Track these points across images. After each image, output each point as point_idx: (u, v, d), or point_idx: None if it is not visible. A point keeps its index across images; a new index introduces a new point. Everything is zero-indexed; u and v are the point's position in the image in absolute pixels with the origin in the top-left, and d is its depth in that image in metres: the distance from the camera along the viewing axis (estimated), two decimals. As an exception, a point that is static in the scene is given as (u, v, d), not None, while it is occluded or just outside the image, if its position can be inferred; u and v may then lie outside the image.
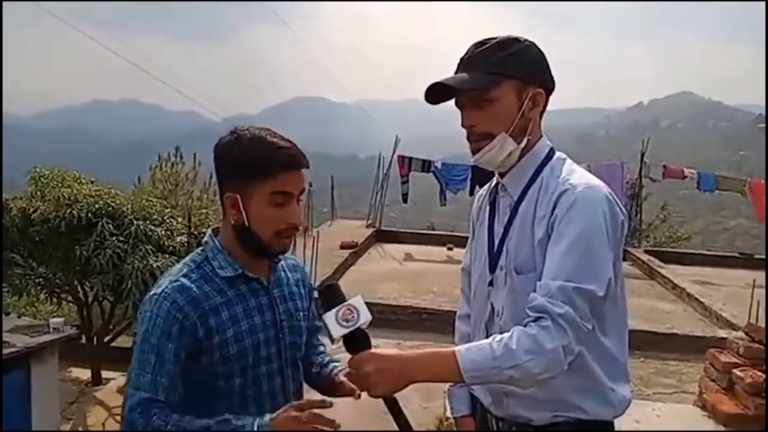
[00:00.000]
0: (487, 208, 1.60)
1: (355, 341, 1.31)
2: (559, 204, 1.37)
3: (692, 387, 4.60)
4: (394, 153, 12.65)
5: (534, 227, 1.42)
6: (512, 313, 1.43)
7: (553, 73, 1.50)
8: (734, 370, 3.82)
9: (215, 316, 1.40)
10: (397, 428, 1.33)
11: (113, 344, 10.50)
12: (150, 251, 8.71)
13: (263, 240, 1.42)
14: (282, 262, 1.60)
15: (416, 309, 6.75)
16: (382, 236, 12.27)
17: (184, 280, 1.41)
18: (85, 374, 10.16)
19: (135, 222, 8.92)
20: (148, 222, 9.13)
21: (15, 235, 8.92)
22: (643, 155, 12.45)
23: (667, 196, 20.80)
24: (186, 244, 8.87)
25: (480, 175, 10.49)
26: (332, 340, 1.32)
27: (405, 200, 12.82)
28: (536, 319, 1.30)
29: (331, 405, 1.33)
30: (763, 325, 4.15)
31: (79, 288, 9.78)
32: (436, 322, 6.21)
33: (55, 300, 10.20)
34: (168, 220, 9.63)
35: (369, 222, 12.92)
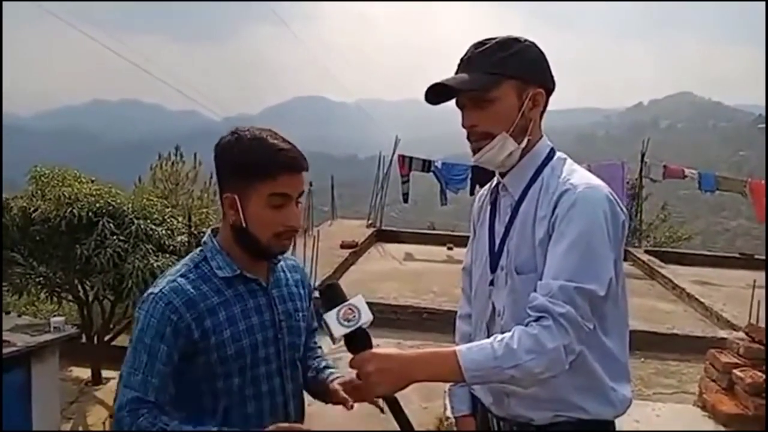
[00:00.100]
0: (488, 207, 1.60)
1: (357, 341, 1.31)
2: (559, 204, 1.38)
3: (692, 387, 4.60)
4: (394, 153, 12.65)
5: (535, 227, 1.42)
6: (513, 312, 1.43)
7: (553, 73, 1.50)
8: (734, 371, 3.82)
9: (212, 316, 1.40)
10: (397, 428, 1.33)
11: (114, 343, 10.51)
12: (150, 250, 8.72)
13: (262, 242, 1.42)
14: (282, 262, 1.60)
15: (416, 309, 6.75)
16: (382, 236, 12.27)
17: (181, 281, 1.41)
18: (85, 373, 10.17)
19: (135, 221, 8.94)
20: (148, 221, 9.14)
21: (15, 234, 8.93)
22: (643, 155, 12.45)
23: (667, 197, 20.80)
24: (186, 244, 8.88)
25: (480, 175, 10.49)
26: (333, 340, 1.32)
27: (405, 200, 12.82)
28: (537, 319, 1.30)
29: None
30: (763, 325, 4.15)
31: (79, 287, 9.79)
32: (437, 321, 6.21)
33: (55, 299, 10.22)
34: (168, 220, 9.64)
35: (369, 222, 12.92)
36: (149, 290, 1.43)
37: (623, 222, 1.40)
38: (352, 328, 1.30)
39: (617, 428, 1.53)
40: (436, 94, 1.46)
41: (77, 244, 8.66)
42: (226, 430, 1.39)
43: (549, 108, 1.52)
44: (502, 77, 1.42)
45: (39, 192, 9.22)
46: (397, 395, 1.31)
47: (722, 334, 5.96)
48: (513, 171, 1.50)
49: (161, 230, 9.16)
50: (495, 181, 1.59)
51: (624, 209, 1.42)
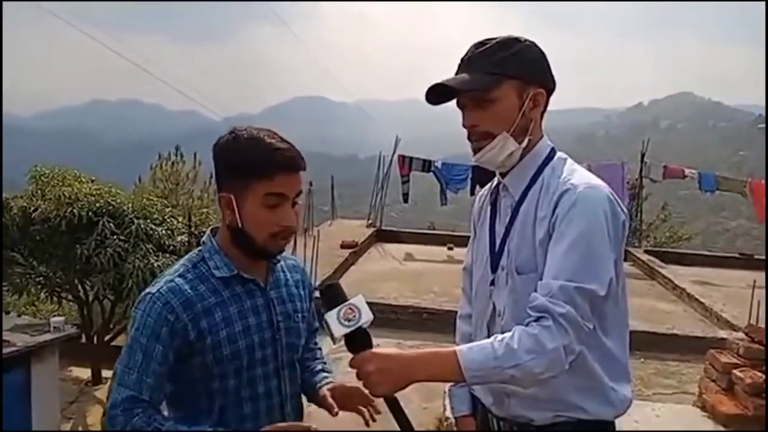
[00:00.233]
0: (489, 208, 1.60)
1: (357, 341, 1.31)
2: (560, 204, 1.38)
3: (692, 387, 4.60)
4: (394, 153, 12.65)
5: (535, 227, 1.42)
6: (514, 313, 1.43)
7: (554, 73, 1.50)
8: (734, 371, 3.82)
9: (208, 317, 1.40)
10: (397, 427, 1.34)
11: (114, 343, 10.50)
12: (151, 250, 8.73)
13: (257, 242, 1.41)
14: (281, 262, 1.60)
15: (417, 309, 6.75)
16: (382, 236, 12.27)
17: (179, 281, 1.41)
18: (85, 373, 10.18)
19: (136, 221, 8.94)
20: (148, 221, 9.14)
21: (16, 233, 8.94)
22: (643, 155, 12.45)
23: (667, 197, 20.81)
24: (186, 244, 8.89)
25: (481, 175, 10.49)
26: (334, 340, 1.32)
27: (405, 200, 12.82)
28: (537, 319, 1.30)
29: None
30: (763, 325, 4.15)
31: (79, 287, 9.79)
32: (437, 321, 6.21)
33: (55, 299, 10.22)
34: (168, 220, 9.64)
35: (369, 222, 12.92)
36: (147, 290, 1.43)
37: (623, 222, 1.40)
38: (353, 328, 1.30)
39: (617, 428, 1.53)
40: (437, 94, 1.46)
41: (77, 243, 8.66)
42: (221, 430, 1.40)
43: (549, 108, 1.52)
44: (503, 77, 1.42)
45: (39, 192, 9.23)
46: (397, 395, 1.31)
47: (722, 334, 5.96)
48: (513, 171, 1.50)
49: (161, 230, 9.17)
50: (495, 181, 1.60)
51: (624, 209, 1.42)
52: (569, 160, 1.51)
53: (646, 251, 11.57)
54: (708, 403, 3.91)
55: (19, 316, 8.70)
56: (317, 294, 1.54)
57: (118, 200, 9.19)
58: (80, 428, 8.62)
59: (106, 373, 9.70)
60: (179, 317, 1.37)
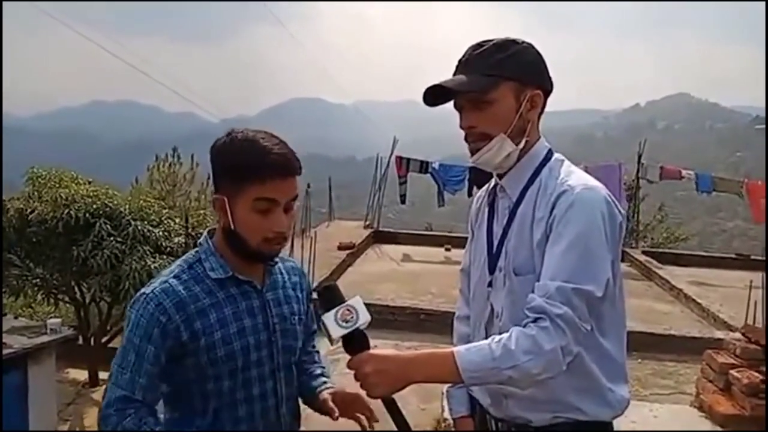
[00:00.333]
0: (486, 209, 1.60)
1: (354, 342, 1.31)
2: (557, 205, 1.38)
3: (689, 388, 4.61)
4: (392, 154, 12.65)
5: (533, 228, 1.43)
6: (512, 314, 1.44)
7: (552, 74, 1.50)
8: (731, 371, 3.83)
9: (202, 318, 1.40)
10: (395, 428, 1.34)
11: (110, 345, 10.48)
12: (148, 252, 8.71)
13: (251, 245, 1.41)
14: (279, 264, 1.59)
15: (414, 310, 6.75)
16: (379, 237, 12.26)
17: (173, 281, 1.41)
18: (82, 375, 10.15)
19: (133, 222, 8.92)
20: (145, 222, 9.13)
21: (12, 235, 8.91)
22: (640, 156, 12.47)
23: (664, 198, 20.83)
24: (183, 245, 8.87)
25: (478, 177, 10.49)
26: (331, 341, 1.32)
27: (403, 201, 12.81)
28: (535, 320, 1.30)
29: None
30: (760, 325, 4.16)
31: (76, 289, 9.77)
32: (434, 322, 6.21)
33: (52, 301, 10.19)
34: (166, 221, 9.63)
35: (367, 223, 12.92)
36: (142, 290, 1.43)
37: (620, 223, 1.41)
38: (350, 329, 1.30)
39: (614, 429, 1.53)
40: (435, 95, 1.46)
41: (74, 245, 8.64)
42: None
43: (547, 109, 1.52)
44: (500, 79, 1.42)
45: (36, 193, 9.20)
46: (395, 396, 1.31)
47: (719, 334, 5.97)
48: (511, 172, 1.51)
49: (158, 232, 9.16)
50: (493, 182, 1.60)
51: (621, 210, 1.43)
52: (566, 162, 1.51)
53: (643, 252, 11.59)
54: (705, 403, 3.92)
55: (15, 318, 8.68)
56: (315, 295, 1.54)
57: (115, 202, 9.17)
58: (77, 430, 8.59)
59: (103, 375, 9.68)
60: (171, 318, 1.37)
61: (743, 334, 4.07)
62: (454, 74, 1.48)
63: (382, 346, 1.37)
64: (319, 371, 1.68)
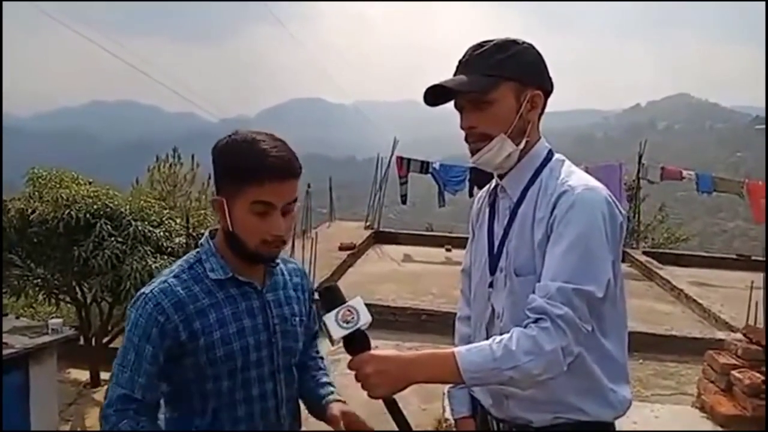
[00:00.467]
0: (487, 209, 1.60)
1: (355, 342, 1.31)
2: (558, 205, 1.38)
3: (691, 388, 4.60)
4: (392, 154, 12.65)
5: (533, 229, 1.43)
6: (512, 314, 1.43)
7: (552, 74, 1.50)
8: (732, 372, 3.82)
9: (201, 318, 1.40)
10: (396, 429, 1.33)
11: (112, 345, 10.48)
12: (148, 252, 8.72)
13: (249, 247, 1.40)
14: (281, 265, 1.58)
15: (415, 310, 6.74)
16: (380, 237, 12.27)
17: (173, 281, 1.41)
18: (83, 375, 10.16)
19: (133, 223, 8.93)
20: (146, 223, 9.13)
21: (13, 235, 8.92)
22: (640, 157, 12.47)
23: (664, 198, 20.82)
24: (184, 245, 8.87)
25: (479, 177, 10.49)
26: (332, 342, 1.32)
27: (403, 201, 12.82)
28: (535, 321, 1.30)
29: None
30: (761, 326, 4.16)
31: (77, 289, 9.78)
32: (435, 323, 6.21)
33: (53, 301, 10.20)
34: (166, 221, 9.63)
35: (367, 223, 12.92)
36: (142, 289, 1.43)
37: (621, 224, 1.40)
38: (351, 330, 1.30)
39: (616, 429, 1.52)
40: (435, 95, 1.46)
41: (75, 245, 8.65)
42: None
43: (547, 109, 1.52)
44: (500, 79, 1.42)
45: (37, 194, 9.21)
46: (396, 397, 1.31)
47: (720, 335, 5.97)
48: (511, 173, 1.51)
49: (159, 232, 9.16)
50: (493, 183, 1.60)
51: (622, 211, 1.43)
52: (567, 162, 1.51)
53: (644, 252, 11.58)
54: (707, 404, 3.92)
55: (17, 318, 8.68)
56: (316, 296, 1.54)
57: (116, 202, 9.18)
58: (78, 430, 8.60)
59: (105, 375, 9.68)
60: (170, 318, 1.37)
61: (744, 335, 4.07)
62: (455, 74, 1.47)
63: (383, 347, 1.37)
64: (325, 379, 1.66)
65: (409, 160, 12.25)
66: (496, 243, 1.52)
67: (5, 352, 6.79)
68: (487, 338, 1.37)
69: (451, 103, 1.50)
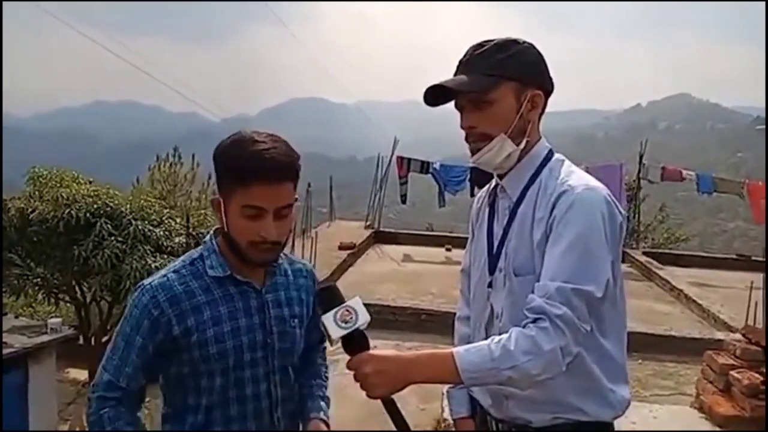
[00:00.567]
0: (487, 209, 1.60)
1: (354, 342, 1.31)
2: (557, 205, 1.38)
3: (690, 389, 4.60)
4: (392, 154, 12.66)
5: (533, 229, 1.42)
6: (512, 314, 1.43)
7: (552, 74, 1.50)
8: (731, 372, 3.82)
9: (196, 314, 1.40)
10: (394, 429, 1.33)
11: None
12: (148, 251, 8.71)
13: (241, 248, 1.40)
14: (286, 265, 1.57)
15: (415, 310, 6.75)
16: (380, 237, 12.27)
17: (172, 276, 1.43)
18: (82, 375, 10.16)
19: (133, 222, 8.92)
20: (146, 222, 9.12)
21: (13, 235, 8.91)
22: (641, 157, 12.46)
23: (665, 198, 20.81)
24: (185, 245, 8.87)
25: (480, 177, 10.49)
26: (331, 341, 1.32)
27: (404, 201, 12.82)
28: (534, 321, 1.30)
29: None
30: (760, 326, 4.16)
31: (77, 288, 9.77)
32: (435, 323, 6.21)
33: (53, 300, 10.19)
34: (166, 221, 9.62)
35: (368, 223, 12.93)
36: (143, 281, 1.45)
37: (621, 224, 1.40)
38: (350, 330, 1.30)
39: (615, 429, 1.52)
40: (435, 95, 1.46)
41: (75, 245, 8.65)
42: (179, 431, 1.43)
43: (548, 109, 1.52)
44: (501, 79, 1.42)
45: (37, 193, 9.21)
46: (395, 397, 1.31)
47: (719, 335, 5.97)
48: (511, 173, 1.50)
49: (159, 231, 9.16)
50: (493, 182, 1.59)
51: (622, 211, 1.42)
52: (567, 162, 1.51)
53: (643, 252, 11.59)
54: (705, 404, 3.92)
55: (16, 317, 8.69)
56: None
57: (116, 201, 9.18)
58: (77, 429, 8.60)
59: (104, 375, 9.69)
60: (164, 312, 1.38)
61: (743, 335, 4.07)
62: (455, 74, 1.47)
63: (382, 347, 1.37)
64: (318, 392, 1.64)
65: (409, 159, 12.25)
66: (496, 243, 1.51)
67: (4, 351, 6.79)
68: (487, 338, 1.37)
69: (452, 103, 1.49)
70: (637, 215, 13.14)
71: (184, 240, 9.12)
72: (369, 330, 1.33)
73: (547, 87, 1.49)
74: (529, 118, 1.47)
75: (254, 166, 1.32)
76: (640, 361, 5.58)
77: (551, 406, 1.44)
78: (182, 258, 1.50)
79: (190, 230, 9.30)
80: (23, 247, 9.17)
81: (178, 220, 9.88)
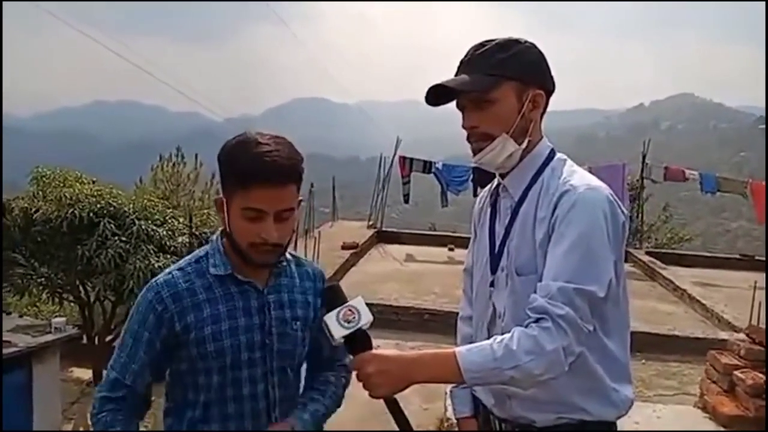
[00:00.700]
0: (489, 209, 1.60)
1: (357, 342, 1.31)
2: (559, 205, 1.37)
3: (693, 389, 4.60)
4: (395, 154, 12.66)
5: (535, 228, 1.42)
6: (514, 314, 1.43)
7: (554, 74, 1.50)
8: (735, 372, 3.81)
9: (196, 312, 1.41)
10: (397, 428, 1.34)
11: (115, 344, 10.49)
12: (152, 251, 8.73)
13: (242, 249, 1.41)
14: (292, 267, 1.56)
15: (417, 310, 6.75)
16: (383, 237, 12.28)
17: (177, 273, 1.45)
18: (86, 374, 10.17)
19: (137, 222, 8.94)
20: (149, 222, 9.14)
21: (17, 234, 8.94)
22: (644, 156, 12.44)
23: (668, 198, 20.77)
24: (187, 244, 8.88)
25: (482, 177, 10.49)
26: (333, 342, 1.32)
27: (406, 201, 12.83)
28: (537, 320, 1.30)
29: None
30: (763, 326, 4.15)
31: (80, 288, 9.79)
32: (438, 323, 6.22)
33: (56, 300, 10.21)
34: (170, 221, 9.64)
35: (370, 223, 12.94)
36: (153, 279, 1.48)
37: (623, 223, 1.40)
38: (352, 330, 1.30)
39: (618, 429, 1.52)
40: (437, 95, 1.46)
41: (78, 244, 8.67)
42: None
43: (549, 109, 1.52)
44: (502, 78, 1.42)
45: (40, 193, 9.24)
46: (397, 396, 1.31)
47: (723, 335, 5.96)
48: (513, 172, 1.50)
49: (162, 231, 9.17)
50: (495, 182, 1.59)
51: (624, 210, 1.42)
52: (569, 161, 1.51)
53: (647, 252, 11.58)
54: (709, 404, 3.91)
55: (20, 316, 8.70)
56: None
57: (119, 201, 9.20)
58: (81, 429, 8.61)
59: (107, 374, 9.70)
60: (167, 308, 1.40)
61: (747, 335, 4.06)
62: (457, 74, 1.47)
63: (385, 346, 1.37)
64: (311, 405, 1.53)
65: (411, 159, 12.25)
66: (498, 242, 1.51)
67: (8, 350, 6.81)
68: (489, 338, 1.37)
69: (453, 103, 1.49)
70: (640, 215, 13.12)
71: (187, 240, 9.14)
72: (371, 330, 1.33)
73: (548, 86, 1.48)
74: (531, 118, 1.46)
75: (255, 168, 1.32)
76: (643, 360, 5.58)
77: (554, 406, 1.44)
78: (188, 257, 1.52)
79: (193, 230, 9.31)
80: (27, 246, 9.19)
81: (181, 219, 9.90)
